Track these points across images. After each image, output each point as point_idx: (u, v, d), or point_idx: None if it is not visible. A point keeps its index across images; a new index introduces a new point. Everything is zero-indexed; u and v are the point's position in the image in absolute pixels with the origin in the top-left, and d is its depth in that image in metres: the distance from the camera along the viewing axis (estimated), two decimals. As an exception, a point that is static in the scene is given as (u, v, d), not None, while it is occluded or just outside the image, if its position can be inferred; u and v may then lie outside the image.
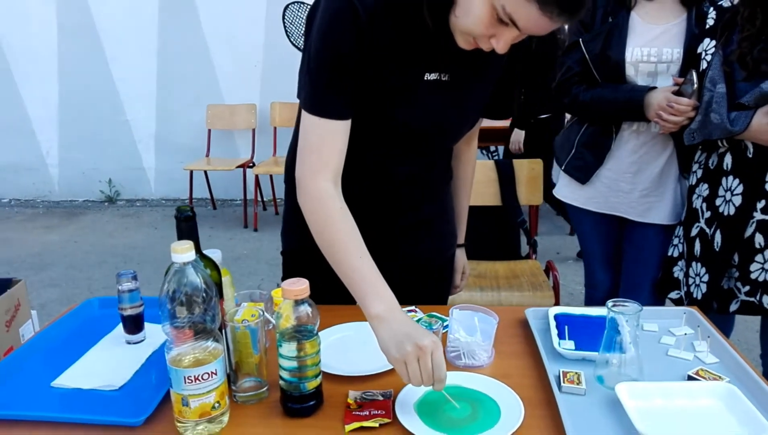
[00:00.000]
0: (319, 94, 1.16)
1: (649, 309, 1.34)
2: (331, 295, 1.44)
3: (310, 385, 1.03)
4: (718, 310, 1.69)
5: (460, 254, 1.60)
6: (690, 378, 1.11)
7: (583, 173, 1.92)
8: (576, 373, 1.11)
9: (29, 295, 2.28)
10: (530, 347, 1.25)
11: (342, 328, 1.32)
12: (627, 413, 0.98)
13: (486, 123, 1.45)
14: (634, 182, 1.86)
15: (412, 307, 1.41)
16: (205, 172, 4.99)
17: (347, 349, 1.24)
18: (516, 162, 2.55)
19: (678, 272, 1.81)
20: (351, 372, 1.14)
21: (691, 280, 1.73)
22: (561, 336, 1.24)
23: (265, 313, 1.16)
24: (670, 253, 1.85)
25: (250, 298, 1.30)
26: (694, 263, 1.72)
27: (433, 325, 1.24)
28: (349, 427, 1.00)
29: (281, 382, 1.04)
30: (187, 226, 1.04)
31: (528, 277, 2.42)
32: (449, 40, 1.13)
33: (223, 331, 1.06)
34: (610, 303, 1.10)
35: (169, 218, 4.95)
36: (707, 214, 1.68)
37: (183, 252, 0.95)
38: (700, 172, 1.72)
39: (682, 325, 1.29)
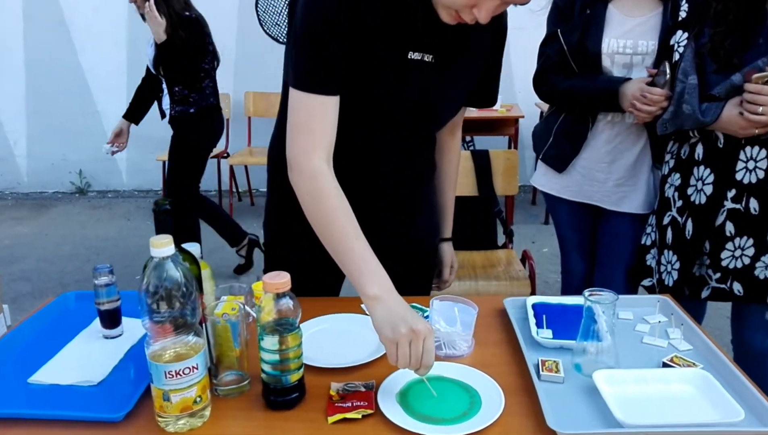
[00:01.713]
0: (306, 68, 1.15)
1: (624, 298, 1.37)
2: (314, 286, 1.44)
3: (293, 377, 1.03)
4: (690, 297, 1.72)
5: (448, 248, 1.61)
6: (665, 365, 1.13)
7: (560, 162, 1.94)
8: (554, 361, 1.13)
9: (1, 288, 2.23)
10: (509, 336, 1.26)
11: (324, 320, 1.32)
12: (604, 400, 1.01)
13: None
14: (609, 171, 1.89)
15: (392, 298, 1.42)
16: (179, 162, 4.92)
17: (329, 341, 1.24)
18: (492, 152, 2.56)
19: (650, 260, 1.85)
20: (333, 364, 1.15)
21: (662, 268, 1.77)
22: (539, 325, 1.26)
23: (245, 307, 1.16)
24: (643, 242, 1.88)
25: (230, 291, 1.29)
26: (666, 251, 1.76)
27: (413, 316, 1.25)
28: (332, 419, 1.00)
29: (263, 375, 1.04)
30: (165, 219, 1.03)
31: (504, 267, 2.45)
32: (434, 20, 1.14)
33: (204, 325, 1.06)
34: (586, 292, 1.12)
35: (142, 210, 4.88)
36: (679, 203, 1.72)
37: (162, 246, 0.94)
38: (672, 162, 1.76)
39: (656, 313, 1.32)
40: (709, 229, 1.66)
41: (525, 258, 2.51)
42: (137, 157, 5.22)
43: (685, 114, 1.62)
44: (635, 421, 0.96)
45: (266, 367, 1.03)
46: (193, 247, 1.13)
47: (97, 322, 1.28)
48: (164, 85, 3.20)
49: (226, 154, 4.73)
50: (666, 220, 1.76)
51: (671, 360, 1.14)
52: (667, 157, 1.79)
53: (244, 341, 1.10)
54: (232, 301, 1.18)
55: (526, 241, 3.93)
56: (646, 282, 1.87)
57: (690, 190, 1.69)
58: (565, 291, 2.20)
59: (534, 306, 1.33)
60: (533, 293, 2.35)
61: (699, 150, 1.67)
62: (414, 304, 1.38)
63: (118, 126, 3.42)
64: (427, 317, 1.32)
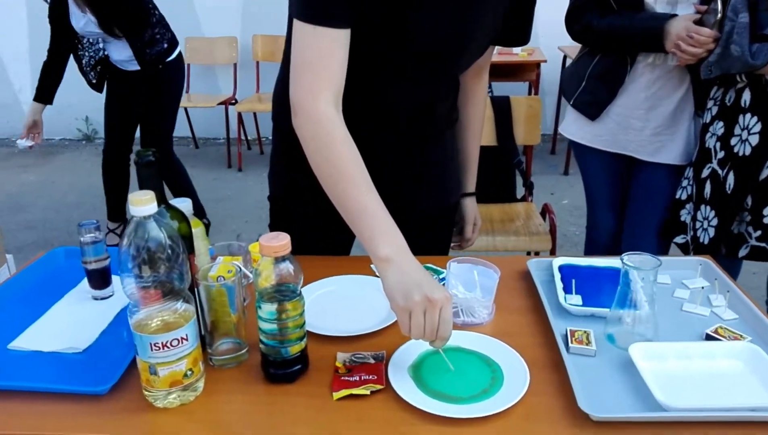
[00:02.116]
0: None
1: (662, 259, 1.25)
2: (322, 244, 1.33)
3: (293, 349, 0.93)
4: (726, 255, 1.60)
5: (470, 204, 1.48)
6: (708, 337, 1.02)
7: (593, 108, 1.78)
8: (584, 332, 1.02)
9: (5, 238, 2.15)
10: (533, 302, 1.15)
11: (330, 282, 1.21)
12: (642, 378, 0.90)
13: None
14: (646, 119, 1.73)
15: (405, 258, 1.30)
16: (185, 109, 4.77)
17: (336, 306, 1.14)
18: (513, 99, 2.40)
19: (685, 216, 1.71)
20: (340, 332, 1.04)
21: (698, 224, 1.64)
22: (567, 290, 1.14)
23: (243, 268, 1.05)
24: (678, 196, 1.74)
25: (228, 250, 1.18)
26: (702, 206, 1.62)
27: (428, 279, 1.13)
28: (337, 395, 0.90)
29: (261, 345, 0.94)
30: (148, 172, 0.91)
31: (523, 221, 2.32)
32: None
33: (196, 289, 0.95)
34: (625, 257, 0.99)
35: (150, 158, 4.77)
36: (720, 155, 1.57)
37: (143, 204, 0.82)
38: (715, 110, 1.60)
39: (697, 276, 1.20)
40: (752, 182, 1.52)
41: (545, 211, 2.38)
42: (144, 103, 5.08)
43: (734, 56, 1.45)
44: (679, 404, 0.85)
45: (264, 338, 0.92)
46: (182, 203, 1.01)
47: (86, 281, 1.19)
48: (86, 51, 2.96)
49: (234, 101, 4.58)
50: (705, 172, 1.62)
51: (716, 332, 1.02)
52: (710, 103, 1.63)
53: (241, 306, 0.99)
54: (228, 262, 1.07)
55: (544, 193, 3.78)
56: (678, 239, 1.74)
57: (734, 140, 1.54)
58: (590, 248, 2.08)
59: (561, 268, 1.21)
60: (554, 250, 2.23)
61: (746, 96, 1.51)
62: (428, 265, 1.27)
63: (30, 116, 3.00)
64: (443, 281, 1.21)
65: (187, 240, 0.97)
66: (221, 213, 3.70)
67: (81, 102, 5.20)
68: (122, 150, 3.24)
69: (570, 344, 0.99)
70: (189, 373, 0.89)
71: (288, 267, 0.90)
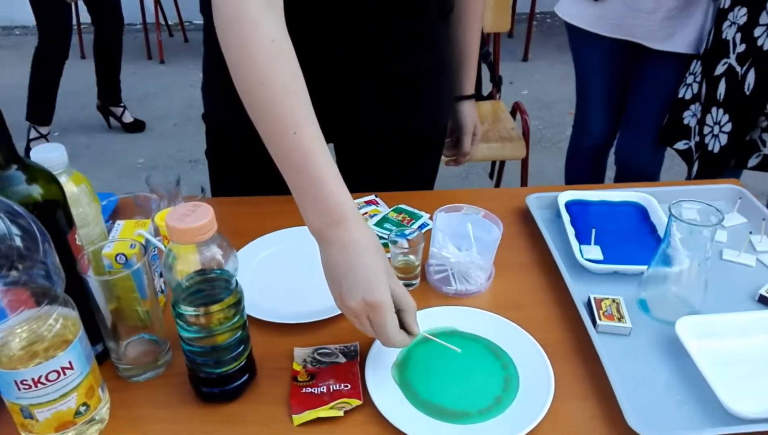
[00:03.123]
0: None
1: (682, 187, 1.02)
2: (269, 180, 1.03)
3: (230, 365, 0.66)
4: (735, 166, 1.39)
5: (469, 110, 1.18)
6: (763, 299, 0.81)
7: None
8: (613, 300, 0.79)
9: None
10: (537, 254, 0.91)
11: (279, 238, 0.93)
12: (697, 366, 0.69)
13: None
14: (659, 0, 1.44)
15: (371, 196, 1.03)
16: (94, -10, 4.11)
17: (286, 275, 0.87)
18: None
19: (689, 118, 1.48)
20: (295, 317, 0.78)
21: (707, 129, 1.41)
22: (582, 239, 0.90)
23: (152, 239, 0.76)
24: (680, 95, 1.50)
25: (136, 204, 0.87)
26: (714, 109, 1.38)
27: (405, 231, 0.87)
28: (298, 419, 0.66)
29: (185, 358, 0.67)
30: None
31: (492, 124, 2.04)
32: None
33: (86, 279, 0.66)
34: (673, 206, 0.75)
35: (57, 49, 4.16)
36: (740, 48, 1.31)
37: (-36, 181, 0.50)
38: (736, -8, 1.32)
39: (734, 211, 0.98)
40: (775, 82, 1.28)
41: (515, 111, 2.10)
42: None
43: None
44: (750, 410, 0.64)
45: (187, 348, 0.65)
46: (52, 152, 0.69)
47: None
48: None
49: (148, -22, 3.95)
50: (720, 69, 1.36)
51: (772, 291, 0.81)
52: (731, -17, 1.34)
53: (153, 289, 0.71)
54: (132, 227, 0.77)
55: (504, 84, 3.48)
56: (680, 145, 1.52)
57: (758, 31, 1.27)
58: (574, 154, 1.85)
59: (569, 207, 0.97)
60: (526, 158, 1.99)
61: (778, -26, 1.24)
62: (402, 205, 1.00)
63: None
64: (422, 227, 0.95)
65: (61, 208, 0.66)
66: (144, 114, 3.26)
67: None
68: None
69: (598, 320, 0.76)
70: (83, 408, 0.62)
71: (214, 252, 0.61)
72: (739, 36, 1.31)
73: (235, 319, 0.64)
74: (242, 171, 1.07)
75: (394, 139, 1.05)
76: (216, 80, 1.01)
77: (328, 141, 1.02)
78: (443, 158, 1.21)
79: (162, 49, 3.96)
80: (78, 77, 3.72)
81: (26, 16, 4.62)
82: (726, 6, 1.35)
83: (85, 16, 4.00)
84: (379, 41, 0.94)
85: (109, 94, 3.08)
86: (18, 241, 0.56)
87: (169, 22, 4.38)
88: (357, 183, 1.11)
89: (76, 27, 3.98)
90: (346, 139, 1.08)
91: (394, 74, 0.98)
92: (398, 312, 0.66)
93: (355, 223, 0.65)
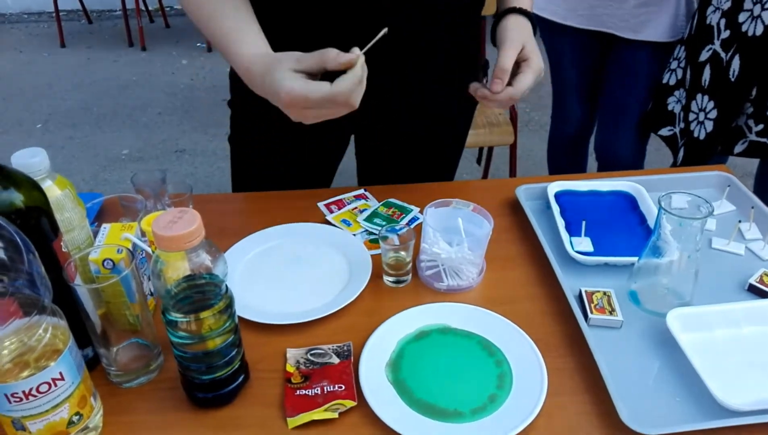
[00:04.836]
0: None
1: (669, 175, 1.02)
2: (293, 166, 1.06)
3: (220, 371, 0.66)
4: (721, 152, 1.40)
5: (515, 25, 0.88)
6: (753, 289, 0.82)
7: None
8: (604, 293, 0.80)
9: None
10: (527, 246, 0.91)
11: (270, 235, 0.92)
12: (688, 358, 0.69)
13: None
14: None
15: (360, 191, 1.02)
16: (71, -25, 4.03)
17: (277, 273, 0.86)
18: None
19: (674, 104, 1.48)
20: (287, 318, 0.77)
21: (692, 116, 1.41)
22: (572, 231, 0.91)
23: (139, 242, 0.75)
24: (664, 81, 1.50)
25: (122, 204, 0.86)
26: (699, 95, 1.39)
27: (396, 227, 0.87)
28: (293, 421, 0.66)
29: (177, 363, 0.66)
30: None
31: (480, 109, 2.03)
32: None
33: (74, 287, 0.65)
34: (662, 199, 0.75)
35: (36, 38, 4.07)
36: (725, 34, 1.31)
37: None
38: (721, -24, 1.32)
39: (723, 198, 0.98)
40: (760, 68, 1.28)
41: (502, 95, 2.09)
42: (18, -31, 4.27)
43: None
44: (742, 401, 0.65)
45: (179, 354, 0.65)
46: (33, 157, 0.67)
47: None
48: None
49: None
50: (704, 55, 1.36)
51: (761, 281, 0.82)
52: (716, -32, 1.34)
53: (142, 292, 0.70)
54: (119, 230, 0.76)
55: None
56: (664, 131, 1.52)
57: (743, 17, 1.27)
58: (554, 143, 1.85)
59: (559, 198, 0.97)
60: (515, 143, 1.98)
61: (763, -42, 1.23)
62: (392, 200, 1.00)
63: None
64: (413, 222, 0.95)
65: (45, 215, 0.65)
66: (127, 103, 3.21)
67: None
68: None
69: (590, 314, 0.77)
70: (76, 418, 0.62)
71: (203, 258, 0.60)
72: (723, 21, 1.31)
73: (227, 324, 0.64)
74: (264, 158, 1.07)
75: (415, 130, 1.04)
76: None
77: (348, 133, 1.00)
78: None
79: (143, 36, 3.89)
80: (58, 67, 3.66)
81: (2, 3, 4.52)
82: (711, -10, 1.35)
83: (63, 4, 3.93)
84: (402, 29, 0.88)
85: None
86: (1, 253, 0.55)
87: (150, 8, 4.30)
88: (377, 174, 1.10)
89: (54, 15, 3.91)
90: (366, 130, 1.07)
91: (415, 63, 0.95)
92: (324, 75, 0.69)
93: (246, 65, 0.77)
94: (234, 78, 1.03)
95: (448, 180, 1.14)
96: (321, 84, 0.68)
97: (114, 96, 3.15)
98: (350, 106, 0.69)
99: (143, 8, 4.17)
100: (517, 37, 0.86)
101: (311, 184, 1.06)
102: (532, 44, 0.87)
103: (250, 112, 1.03)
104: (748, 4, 1.26)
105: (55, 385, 0.59)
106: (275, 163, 1.06)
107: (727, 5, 1.30)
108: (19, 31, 4.28)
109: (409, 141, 1.05)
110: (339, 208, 0.98)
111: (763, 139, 1.34)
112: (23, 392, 0.57)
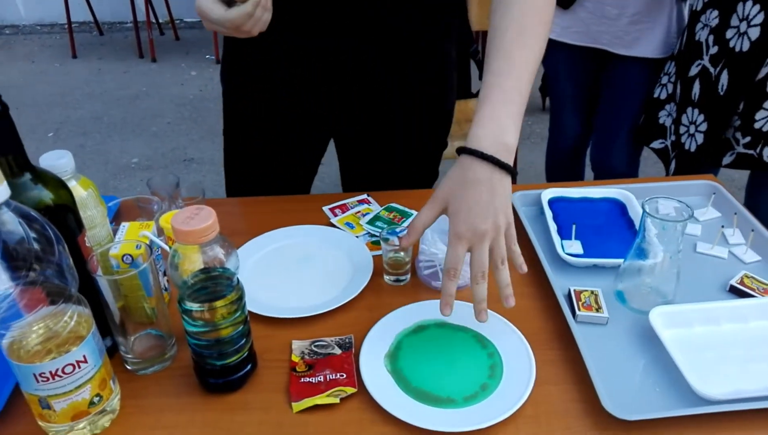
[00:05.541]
0: None
1: (658, 184, 1.07)
2: (284, 158, 1.11)
3: (233, 357, 0.71)
4: (709, 163, 1.45)
5: (457, 171, 0.77)
6: (733, 290, 0.86)
7: None
8: (592, 292, 0.84)
9: None
10: (521, 248, 0.95)
11: (276, 237, 0.97)
12: (669, 353, 0.74)
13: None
14: (623, 5, 1.49)
15: (363, 196, 1.08)
16: (84, -12, 4.13)
17: (284, 272, 0.91)
18: (466, -23, 2.07)
19: (665, 118, 1.54)
20: (292, 312, 0.82)
21: (683, 129, 1.46)
22: (563, 234, 0.96)
23: (156, 240, 0.80)
24: (656, 95, 1.55)
25: (138, 205, 0.91)
26: (689, 109, 1.44)
27: (396, 229, 0.92)
28: (298, 406, 0.71)
29: (190, 350, 0.71)
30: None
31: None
32: None
33: (96, 278, 0.70)
34: (647, 204, 0.80)
35: (48, 49, 4.16)
36: (713, 50, 1.36)
37: (-15, 189, 0.55)
38: (710, -6, 1.37)
39: (709, 205, 1.03)
40: (747, 83, 1.33)
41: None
42: (32, -17, 4.38)
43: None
44: (718, 391, 0.69)
45: (193, 342, 0.70)
46: (60, 159, 0.73)
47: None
48: None
49: (139, -23, 3.96)
50: (694, 70, 1.42)
51: (741, 282, 0.87)
52: (704, -14, 1.40)
53: (159, 287, 0.75)
54: (137, 229, 0.82)
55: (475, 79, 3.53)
56: (656, 144, 1.57)
57: (730, 33, 1.33)
58: (552, 155, 1.90)
59: (552, 204, 1.02)
60: (515, 159, 2.03)
61: (750, -23, 1.29)
62: (394, 204, 1.05)
63: None
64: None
65: (71, 212, 0.70)
66: (138, 114, 3.29)
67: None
68: None
69: (577, 311, 0.82)
70: (96, 399, 0.67)
71: (216, 252, 0.66)
72: (711, 38, 1.36)
73: (237, 314, 0.69)
74: (258, 151, 1.14)
75: (393, 128, 1.09)
76: (235, 55, 1.07)
77: (327, 136, 1.08)
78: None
79: (153, 48, 3.98)
80: (70, 78, 3.75)
81: (16, 15, 4.63)
82: (698, 8, 1.40)
83: (75, 15, 4.03)
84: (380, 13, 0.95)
85: None
86: (35, 245, 0.60)
87: (160, 20, 4.40)
88: (355, 179, 1.16)
89: (66, 27, 4.00)
90: (345, 133, 1.13)
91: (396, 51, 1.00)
92: None
93: None
94: (225, 65, 1.12)
95: (430, 183, 1.20)
96: (219, 8, 0.77)
97: (124, 106, 3.23)
98: (244, 33, 0.78)
99: (154, 21, 4.26)
100: (443, 193, 0.74)
101: (295, 170, 1.15)
102: (461, 202, 0.72)
103: (245, 101, 1.10)
104: (734, 21, 1.31)
105: (79, 367, 0.64)
106: (269, 152, 1.12)
107: (715, 22, 1.35)
108: (32, 42, 4.38)
109: (395, 144, 1.11)
110: (343, 212, 1.03)
111: (750, 151, 1.39)
112: (50, 372, 0.62)
